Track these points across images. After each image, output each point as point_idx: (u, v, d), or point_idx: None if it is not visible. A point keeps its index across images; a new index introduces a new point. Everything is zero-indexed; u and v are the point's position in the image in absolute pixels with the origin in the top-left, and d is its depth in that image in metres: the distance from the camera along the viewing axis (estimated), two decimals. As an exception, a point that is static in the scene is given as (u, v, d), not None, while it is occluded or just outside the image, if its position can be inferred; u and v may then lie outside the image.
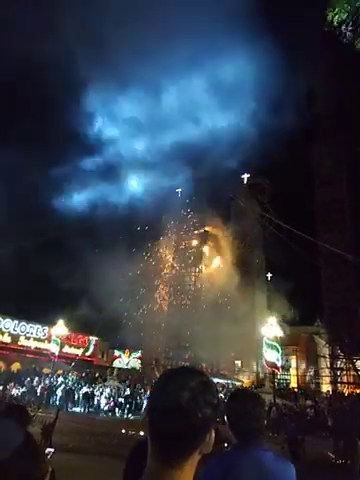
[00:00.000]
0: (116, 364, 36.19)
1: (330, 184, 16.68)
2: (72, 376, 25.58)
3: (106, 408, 20.57)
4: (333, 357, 14.83)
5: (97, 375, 27.47)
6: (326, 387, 26.60)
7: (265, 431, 1.83)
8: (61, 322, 22.77)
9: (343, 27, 5.73)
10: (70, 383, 23.06)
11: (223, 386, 25.94)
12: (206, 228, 38.94)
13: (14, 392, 20.11)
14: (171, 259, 36.40)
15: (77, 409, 20.31)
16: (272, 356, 16.38)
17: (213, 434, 0.88)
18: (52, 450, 3.19)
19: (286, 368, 32.74)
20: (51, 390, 20.98)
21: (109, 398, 21.24)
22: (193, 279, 35.71)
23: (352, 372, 14.88)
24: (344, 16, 5.62)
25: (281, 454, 1.84)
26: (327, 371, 16.99)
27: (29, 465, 1.91)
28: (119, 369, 32.31)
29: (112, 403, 20.95)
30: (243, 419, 1.77)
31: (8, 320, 28.70)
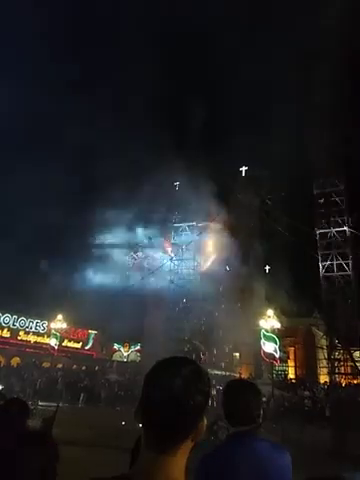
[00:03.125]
0: (116, 357, 36.38)
1: (328, 177, 16.68)
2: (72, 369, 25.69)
3: (106, 401, 20.72)
4: (331, 348, 14.94)
5: (97, 368, 27.63)
6: (324, 378, 26.82)
7: (259, 420, 1.85)
8: (60, 316, 22.82)
9: None
10: (70, 376, 23.18)
11: (221, 378, 26.09)
12: (204, 220, 38.89)
13: (15, 386, 20.19)
14: (169, 252, 36.42)
15: (77, 402, 20.43)
16: (270, 348, 16.49)
17: (205, 421, 0.90)
18: None
19: (284, 359, 32.93)
20: (51, 384, 21.09)
21: (109, 391, 21.37)
22: (191, 271, 35.79)
23: (349, 363, 15.01)
24: None
25: (277, 443, 1.86)
26: (325, 362, 17.15)
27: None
28: (119, 362, 32.50)
29: (112, 395, 21.09)
30: (237, 408, 1.80)
31: (7, 315, 28.75)
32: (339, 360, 14.74)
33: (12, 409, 2.36)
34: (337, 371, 14.82)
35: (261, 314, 19.31)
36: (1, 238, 29.98)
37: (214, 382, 18.36)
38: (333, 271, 15.62)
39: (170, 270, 35.55)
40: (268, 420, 15.62)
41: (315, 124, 17.47)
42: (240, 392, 1.84)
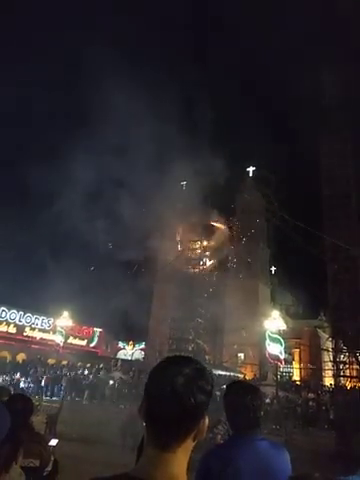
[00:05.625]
0: (120, 355, 36.56)
1: (337, 178, 16.56)
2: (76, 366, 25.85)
3: (110, 398, 20.81)
4: (336, 351, 14.86)
5: (101, 366, 27.73)
6: (329, 380, 26.68)
7: (262, 423, 1.85)
8: (66, 313, 22.98)
9: None
10: (74, 373, 23.31)
11: (225, 378, 26.05)
12: (211, 221, 38.88)
13: (22, 384, 20.33)
14: (175, 252, 36.45)
15: (81, 399, 20.53)
16: (275, 349, 16.44)
17: (206, 421, 0.91)
18: (56, 441, 3.23)
19: (289, 361, 32.82)
20: (56, 380, 21.22)
21: (113, 388, 21.47)
22: (197, 271, 35.78)
23: (355, 366, 14.91)
24: None
25: (277, 443, 1.87)
26: (330, 364, 17.05)
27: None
28: (123, 360, 32.63)
29: (116, 394, 21.18)
30: (241, 411, 1.79)
31: (13, 311, 28.98)
32: (344, 363, 14.63)
33: (16, 405, 2.37)
34: (342, 374, 14.70)
35: (266, 315, 19.26)
36: (9, 235, 30.23)
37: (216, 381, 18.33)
38: (340, 272, 15.52)
39: (175, 269, 35.53)
40: (272, 422, 15.59)
41: (326, 124, 17.35)
42: (243, 397, 1.82)
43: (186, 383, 0.86)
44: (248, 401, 1.79)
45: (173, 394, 0.85)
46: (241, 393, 1.85)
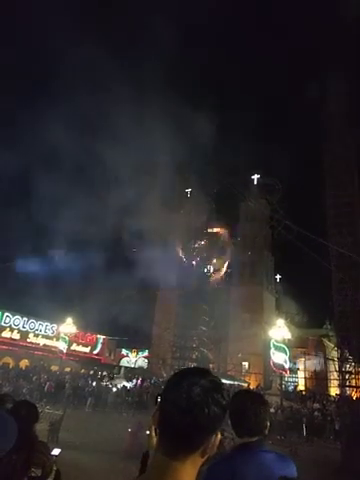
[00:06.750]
0: (123, 363, 36.40)
1: (341, 186, 16.52)
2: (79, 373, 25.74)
3: (113, 406, 20.67)
4: (342, 360, 14.69)
5: (104, 373, 27.63)
6: (334, 390, 26.35)
7: (266, 431, 1.83)
8: (69, 320, 22.94)
9: None
10: (77, 381, 23.21)
11: (229, 387, 25.83)
12: (215, 229, 38.89)
13: (25, 390, 20.24)
14: (179, 259, 36.42)
15: (84, 407, 20.42)
16: (280, 358, 16.27)
17: (218, 437, 0.91)
18: (59, 450, 3.20)
19: (294, 371, 32.50)
20: (59, 387, 21.13)
21: (116, 396, 21.33)
22: (201, 279, 35.71)
23: (361, 376, 14.72)
24: None
25: (283, 454, 1.85)
26: (335, 374, 16.85)
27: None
28: (126, 368, 32.49)
29: (119, 401, 21.04)
30: (245, 418, 1.78)
31: (17, 317, 29.02)
32: (350, 373, 14.46)
33: (20, 412, 2.36)
34: (348, 384, 14.52)
35: (271, 324, 19.11)
36: (12, 241, 30.36)
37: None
38: (345, 281, 15.40)
39: (180, 276, 35.50)
40: (276, 432, 15.41)
41: (330, 131, 17.36)
42: (248, 402, 1.82)
43: (202, 394, 0.87)
44: (251, 406, 1.79)
45: (188, 403, 0.86)
46: (245, 399, 1.86)
